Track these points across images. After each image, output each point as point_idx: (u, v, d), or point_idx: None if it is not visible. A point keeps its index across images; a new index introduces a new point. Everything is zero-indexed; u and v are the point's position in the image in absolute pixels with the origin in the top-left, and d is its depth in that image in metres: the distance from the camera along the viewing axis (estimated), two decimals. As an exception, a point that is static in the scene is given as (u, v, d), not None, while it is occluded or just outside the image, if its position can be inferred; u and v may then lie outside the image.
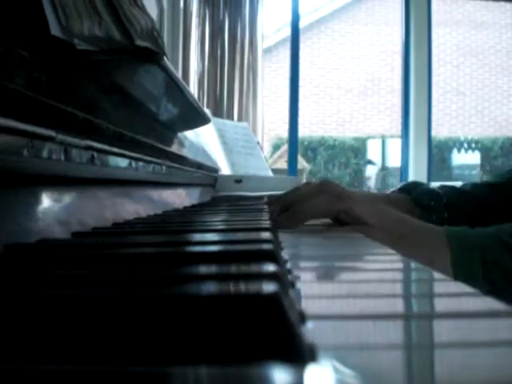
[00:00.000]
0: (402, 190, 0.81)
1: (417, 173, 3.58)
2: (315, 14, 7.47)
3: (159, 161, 0.72)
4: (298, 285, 0.25)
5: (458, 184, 0.83)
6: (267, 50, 4.89)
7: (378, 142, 7.33)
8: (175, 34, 3.05)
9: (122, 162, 0.56)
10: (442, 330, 0.19)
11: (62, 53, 0.42)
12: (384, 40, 7.30)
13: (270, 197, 0.76)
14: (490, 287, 0.51)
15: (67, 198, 0.45)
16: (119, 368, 0.13)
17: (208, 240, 0.39)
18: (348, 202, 0.59)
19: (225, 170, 1.71)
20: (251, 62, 3.32)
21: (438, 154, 7.07)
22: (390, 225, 0.57)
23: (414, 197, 0.77)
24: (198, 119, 1.10)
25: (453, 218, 0.75)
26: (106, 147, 0.49)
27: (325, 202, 0.59)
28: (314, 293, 0.25)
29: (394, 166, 5.88)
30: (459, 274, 0.52)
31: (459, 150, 7.44)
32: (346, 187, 0.65)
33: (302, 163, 4.99)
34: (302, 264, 0.34)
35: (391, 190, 0.85)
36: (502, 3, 6.10)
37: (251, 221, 0.54)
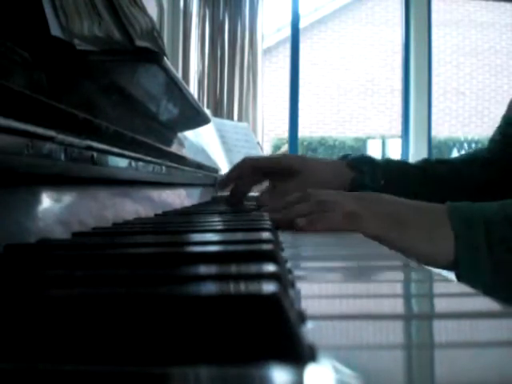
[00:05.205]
0: (341, 158, 0.88)
1: (417, 173, 3.57)
2: (315, 14, 7.47)
3: (159, 161, 0.72)
4: (298, 285, 0.25)
5: None
6: (267, 50, 4.89)
7: (378, 142, 7.33)
8: (175, 34, 3.05)
9: (122, 162, 0.56)
10: (442, 331, 0.19)
11: (62, 53, 0.42)
12: (384, 40, 7.30)
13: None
14: (494, 263, 0.48)
15: (67, 197, 0.45)
16: (119, 368, 0.13)
17: (208, 240, 0.39)
18: (316, 196, 0.55)
19: (225, 170, 1.70)
20: (251, 62, 3.32)
21: (438, 154, 7.06)
22: (381, 208, 0.53)
23: (349, 161, 0.83)
24: (198, 119, 1.10)
25: (390, 187, 0.76)
26: (106, 147, 0.49)
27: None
28: (313, 293, 0.25)
29: (394, 166, 5.86)
30: (462, 251, 0.49)
31: (459, 150, 7.44)
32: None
33: (302, 163, 4.98)
34: (302, 264, 0.34)
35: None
36: (502, 3, 6.10)
37: (251, 221, 0.54)
